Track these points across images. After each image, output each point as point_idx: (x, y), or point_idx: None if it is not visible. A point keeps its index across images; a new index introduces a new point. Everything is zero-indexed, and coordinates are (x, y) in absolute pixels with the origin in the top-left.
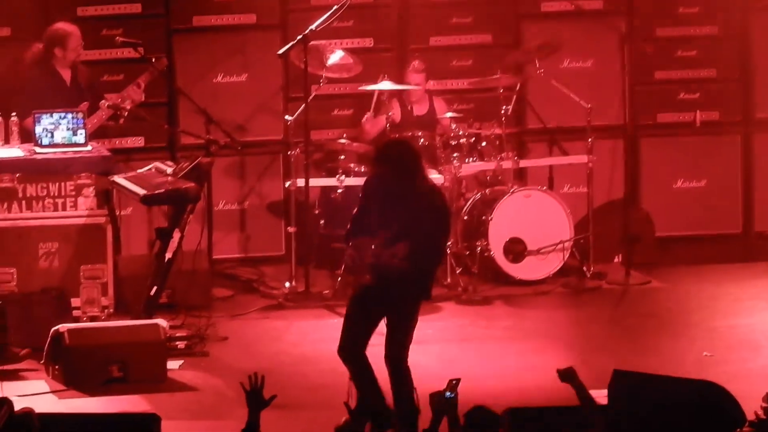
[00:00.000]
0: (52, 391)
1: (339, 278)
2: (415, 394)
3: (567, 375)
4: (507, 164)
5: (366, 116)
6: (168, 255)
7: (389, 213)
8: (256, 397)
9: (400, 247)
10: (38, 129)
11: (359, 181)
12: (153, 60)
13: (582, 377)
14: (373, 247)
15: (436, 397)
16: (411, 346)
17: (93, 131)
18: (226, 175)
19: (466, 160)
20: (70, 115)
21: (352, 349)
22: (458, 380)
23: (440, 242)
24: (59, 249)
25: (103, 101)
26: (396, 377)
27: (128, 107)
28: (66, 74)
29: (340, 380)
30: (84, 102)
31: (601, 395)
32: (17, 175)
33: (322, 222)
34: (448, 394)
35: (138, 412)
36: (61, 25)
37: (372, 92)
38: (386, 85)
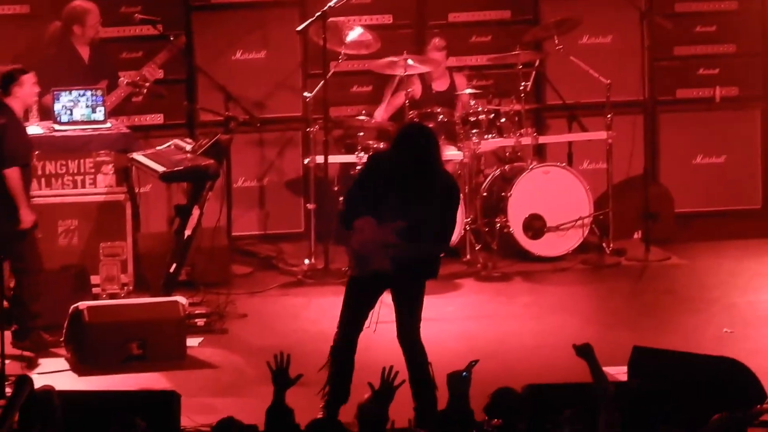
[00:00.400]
0: (72, 369)
1: None
2: (431, 369)
3: (583, 351)
4: (526, 140)
5: (377, 111)
6: (187, 232)
7: (406, 198)
8: (282, 376)
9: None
10: (57, 106)
11: None
12: (171, 38)
13: (601, 354)
14: (382, 232)
15: (454, 378)
16: (431, 323)
17: (112, 109)
18: (245, 151)
19: (486, 137)
20: (89, 93)
21: (351, 330)
22: (476, 362)
23: (453, 228)
24: (78, 226)
25: (122, 79)
26: (411, 355)
27: (147, 85)
28: (84, 52)
29: (361, 357)
30: (103, 80)
31: (620, 372)
32: (36, 152)
33: (341, 199)
34: (464, 373)
35: (157, 390)
36: (80, 3)
37: (392, 70)
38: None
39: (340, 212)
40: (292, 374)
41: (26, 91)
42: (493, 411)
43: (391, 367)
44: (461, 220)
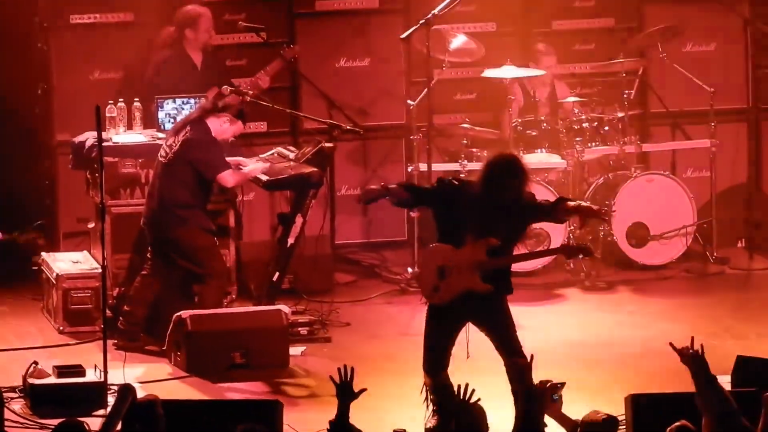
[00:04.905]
0: (175, 378)
1: None
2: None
3: (691, 359)
4: (629, 148)
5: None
6: (290, 240)
7: (491, 226)
8: (345, 389)
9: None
10: (161, 114)
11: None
12: (284, 48)
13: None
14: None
15: (533, 393)
16: (534, 332)
17: None
18: (348, 159)
19: (589, 145)
20: (193, 101)
21: (440, 366)
22: (563, 384)
23: None
24: None
25: (225, 87)
26: (515, 374)
27: (252, 93)
28: (197, 57)
29: (465, 366)
30: (214, 86)
31: (724, 381)
32: (140, 160)
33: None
34: (554, 397)
35: (261, 399)
36: (193, 7)
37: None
38: (510, 70)
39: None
40: (361, 389)
41: (226, 127)
42: None
43: (467, 385)
44: (565, 228)
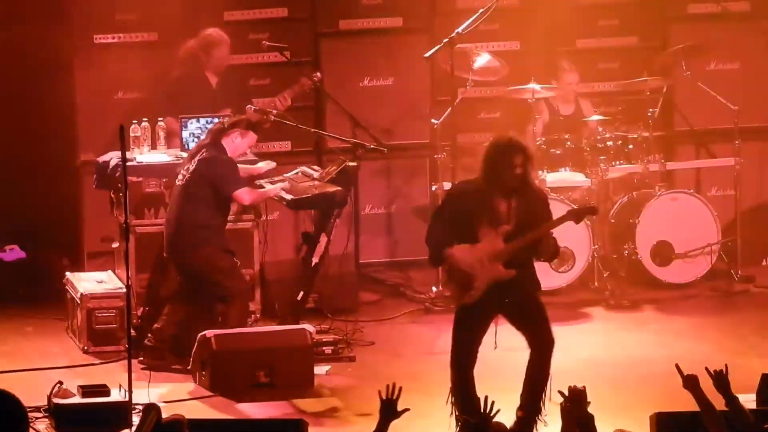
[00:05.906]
0: (200, 397)
1: None
2: (546, 393)
3: (690, 382)
4: (654, 167)
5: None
6: (315, 259)
7: (501, 214)
8: (389, 408)
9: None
10: (185, 134)
11: None
12: (308, 72)
13: (731, 381)
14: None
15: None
16: (559, 351)
17: None
18: (372, 178)
19: (613, 163)
20: (216, 120)
21: (467, 362)
22: (587, 403)
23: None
24: None
25: (249, 106)
26: (541, 366)
27: (275, 112)
28: (212, 78)
29: (489, 386)
30: (228, 106)
31: (749, 399)
32: (164, 180)
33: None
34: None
35: (285, 418)
36: (212, 33)
37: (520, 94)
38: (534, 87)
39: (429, 251)
40: (404, 408)
41: (239, 142)
42: None
43: (488, 399)
44: (589, 247)
